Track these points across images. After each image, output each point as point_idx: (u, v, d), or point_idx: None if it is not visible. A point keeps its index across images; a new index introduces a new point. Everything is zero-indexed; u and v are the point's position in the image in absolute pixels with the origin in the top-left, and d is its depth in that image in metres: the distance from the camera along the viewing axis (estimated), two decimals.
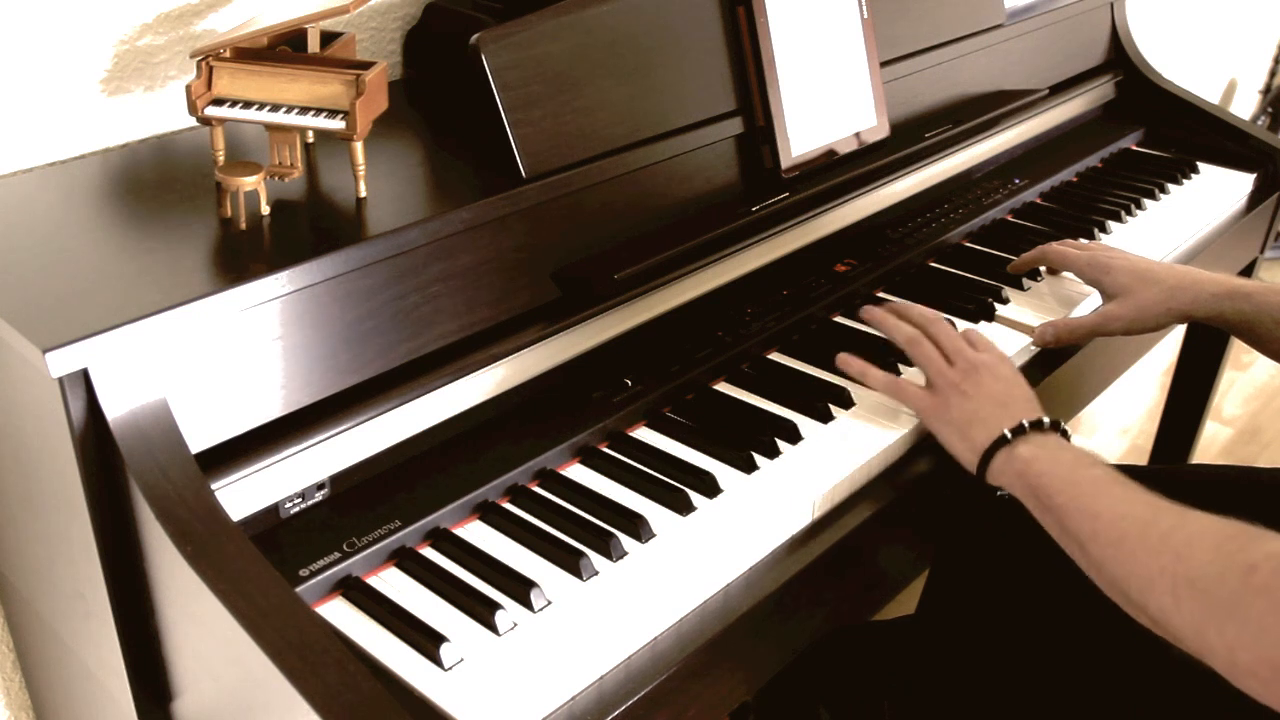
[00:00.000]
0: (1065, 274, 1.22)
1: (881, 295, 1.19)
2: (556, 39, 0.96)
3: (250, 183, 0.82)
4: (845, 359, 0.99)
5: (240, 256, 0.80)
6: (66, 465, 0.72)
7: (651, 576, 0.80)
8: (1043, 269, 1.23)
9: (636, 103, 1.02)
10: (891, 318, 1.02)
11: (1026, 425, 0.88)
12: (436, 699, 0.70)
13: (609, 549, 0.81)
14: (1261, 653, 0.65)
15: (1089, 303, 1.20)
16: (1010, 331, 1.13)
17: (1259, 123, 2.99)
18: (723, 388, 1.02)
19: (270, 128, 0.87)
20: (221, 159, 0.87)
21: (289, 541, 0.79)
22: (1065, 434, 0.89)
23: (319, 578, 0.76)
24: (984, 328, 1.13)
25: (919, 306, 1.04)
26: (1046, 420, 0.89)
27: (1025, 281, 1.21)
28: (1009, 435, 0.88)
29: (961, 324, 1.13)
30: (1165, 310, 1.06)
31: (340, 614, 0.76)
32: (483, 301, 0.90)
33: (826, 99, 1.16)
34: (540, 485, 0.89)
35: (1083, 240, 1.20)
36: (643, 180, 1.03)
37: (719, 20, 1.08)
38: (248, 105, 0.85)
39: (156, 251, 0.81)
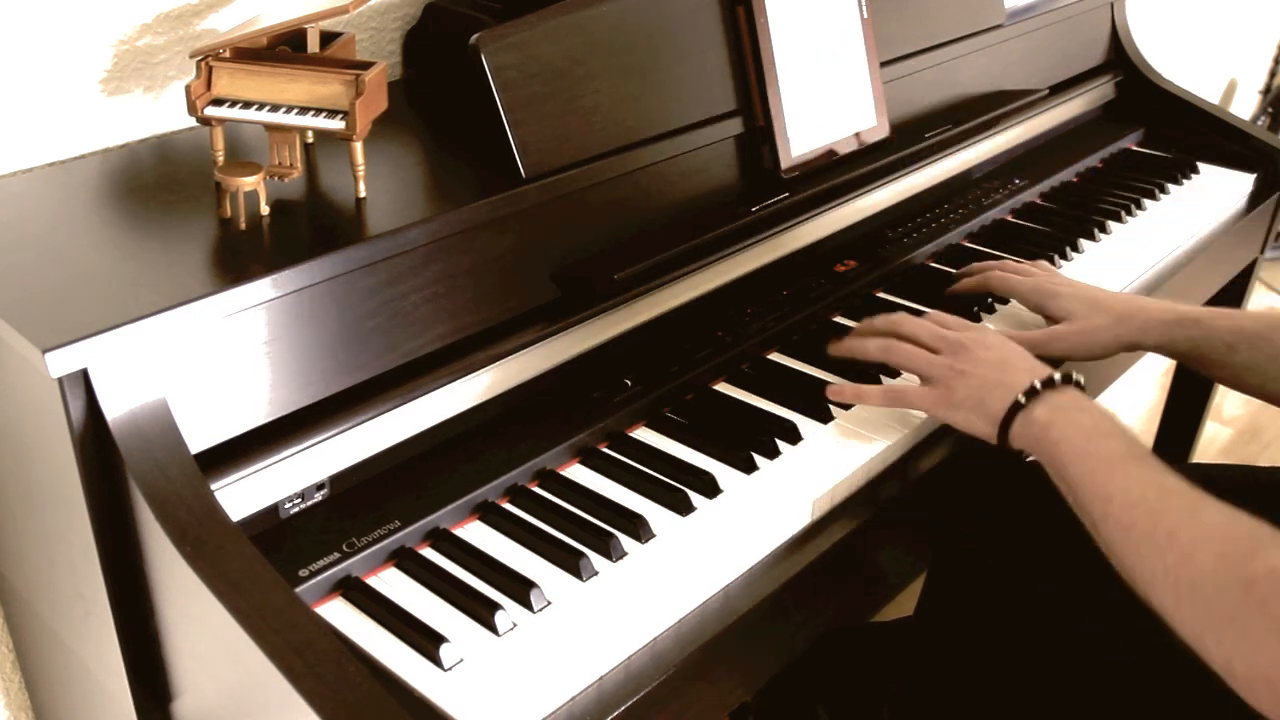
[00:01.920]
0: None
1: (881, 295, 1.19)
2: (556, 39, 0.96)
3: (250, 183, 0.82)
4: (837, 390, 0.97)
5: (240, 257, 0.80)
6: (66, 465, 0.72)
7: (651, 577, 0.80)
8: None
9: (636, 103, 1.02)
10: (856, 341, 0.99)
11: (1039, 385, 0.87)
12: (436, 699, 0.70)
13: (609, 549, 0.81)
14: (1257, 669, 0.65)
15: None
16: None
17: (1259, 123, 2.99)
18: (723, 388, 1.02)
19: (270, 128, 0.86)
20: (221, 159, 0.87)
21: (289, 541, 0.79)
22: (1079, 384, 0.88)
23: (319, 578, 0.76)
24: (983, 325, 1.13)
25: (878, 317, 1.01)
26: (1057, 376, 0.88)
27: None
28: (1023, 399, 0.86)
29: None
30: (1114, 338, 1.03)
31: (340, 614, 0.76)
32: (482, 301, 0.90)
33: (826, 99, 1.16)
34: (540, 485, 0.89)
35: (1027, 265, 1.16)
36: (643, 180, 1.03)
37: (719, 20, 1.08)
38: (247, 105, 0.85)
39: (156, 252, 0.81)
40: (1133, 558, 0.75)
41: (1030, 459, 0.87)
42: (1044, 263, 1.20)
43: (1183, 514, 0.73)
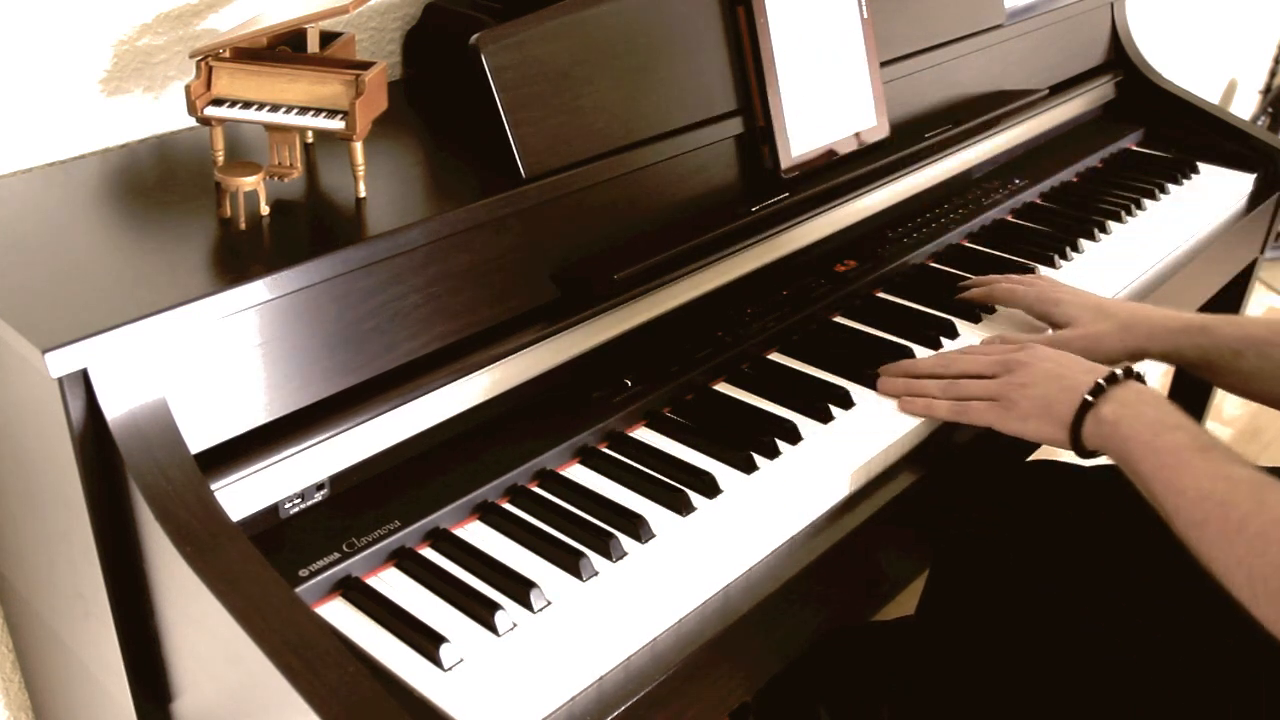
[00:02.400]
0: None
1: (881, 295, 1.19)
2: (556, 39, 0.96)
3: (250, 183, 0.82)
4: (909, 401, 0.97)
5: (240, 257, 0.80)
6: (66, 465, 0.72)
7: (651, 577, 0.80)
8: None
9: (636, 103, 1.02)
10: (921, 403, 0.98)
11: (1102, 382, 0.87)
12: (436, 699, 0.70)
13: (609, 549, 0.81)
14: None
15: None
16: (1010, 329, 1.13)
17: (1259, 123, 2.99)
18: (723, 388, 1.02)
19: (270, 128, 0.86)
20: (221, 159, 0.87)
21: (289, 541, 0.79)
22: (1139, 377, 0.88)
23: (319, 578, 0.76)
24: (984, 325, 1.13)
25: (921, 361, 1.02)
26: (1119, 371, 0.88)
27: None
28: (1090, 399, 0.87)
29: (963, 324, 1.13)
30: (1119, 344, 1.03)
31: (340, 614, 0.76)
32: (482, 301, 0.90)
33: (826, 99, 1.16)
34: (540, 485, 0.89)
35: (1028, 275, 1.17)
36: (643, 180, 1.03)
37: (719, 20, 1.08)
38: (247, 105, 0.85)
39: (156, 252, 0.81)
40: (1208, 552, 0.76)
41: (1030, 459, 0.87)
42: (1044, 273, 1.20)
43: (1251, 506, 0.74)
